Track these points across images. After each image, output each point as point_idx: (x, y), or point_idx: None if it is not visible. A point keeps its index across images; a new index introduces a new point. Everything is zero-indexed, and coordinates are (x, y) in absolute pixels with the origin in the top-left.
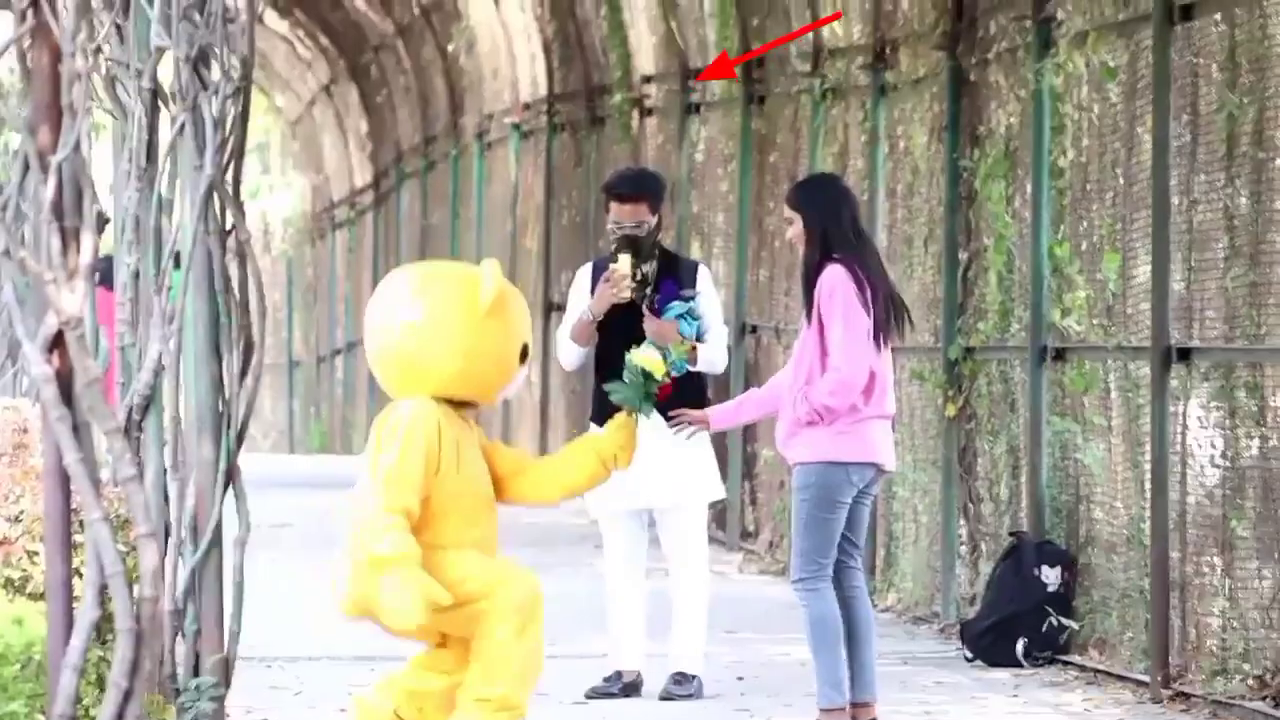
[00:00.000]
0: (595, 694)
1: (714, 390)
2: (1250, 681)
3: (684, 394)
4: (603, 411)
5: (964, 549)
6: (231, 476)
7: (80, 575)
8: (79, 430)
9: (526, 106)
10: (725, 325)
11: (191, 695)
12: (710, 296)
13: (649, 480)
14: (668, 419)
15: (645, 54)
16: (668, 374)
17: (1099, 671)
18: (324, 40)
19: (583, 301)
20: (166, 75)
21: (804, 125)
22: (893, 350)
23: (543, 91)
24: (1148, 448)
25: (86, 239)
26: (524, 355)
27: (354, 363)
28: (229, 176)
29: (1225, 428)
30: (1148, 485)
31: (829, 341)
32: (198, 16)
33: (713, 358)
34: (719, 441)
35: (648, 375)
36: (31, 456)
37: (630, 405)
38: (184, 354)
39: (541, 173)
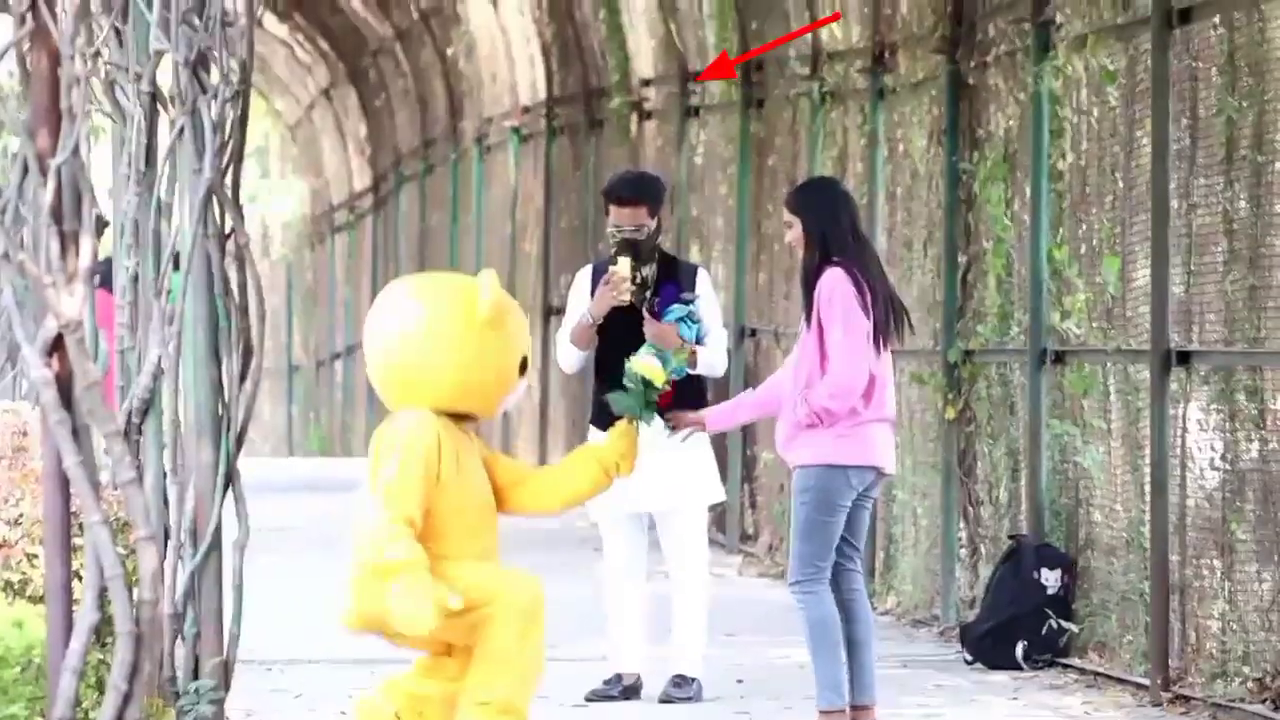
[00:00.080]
0: (595, 697)
1: (714, 394)
2: (1250, 684)
3: (683, 397)
4: (602, 415)
5: (963, 552)
6: (231, 480)
7: (80, 578)
8: (78, 433)
9: (525, 110)
10: (725, 328)
11: (191, 698)
12: (710, 299)
13: (649, 484)
14: (664, 421)
15: (644, 57)
16: (668, 381)
17: (1099, 674)
18: (323, 44)
19: (582, 304)
20: (166, 79)
21: (803, 129)
22: (892, 353)
23: (541, 95)
24: (1147, 451)
25: (85, 242)
26: (523, 367)
27: (353, 367)
28: (228, 180)
29: (1225, 431)
30: (1147, 488)
31: (828, 345)
32: (197, 20)
33: (712, 361)
34: (719, 444)
35: (648, 383)
36: (31, 459)
37: (631, 414)
38: (183, 358)
39: (540, 176)
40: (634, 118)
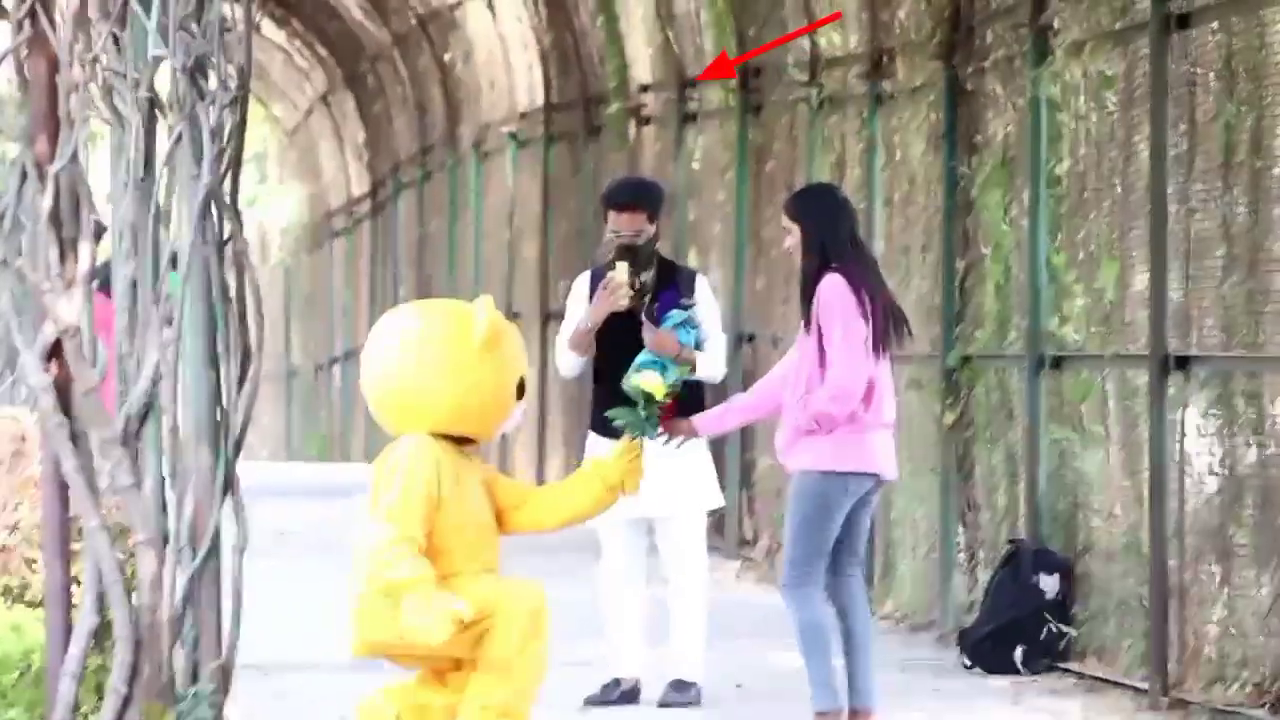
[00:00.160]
0: (594, 701)
1: (713, 399)
2: (1248, 689)
3: (681, 403)
4: (602, 421)
5: (962, 557)
6: (230, 484)
7: (79, 583)
8: (77, 438)
9: (523, 116)
10: (724, 334)
11: (190, 703)
12: (709, 305)
13: (648, 489)
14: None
15: (642, 64)
16: (669, 395)
17: (1097, 679)
18: (321, 50)
19: (581, 310)
20: (164, 85)
21: (801, 134)
22: (891, 359)
23: (540, 101)
24: (1145, 456)
25: (84, 248)
26: (521, 390)
27: (351, 371)
28: (226, 186)
29: (1223, 436)
30: (1146, 493)
31: (828, 350)
32: (195, 26)
33: (711, 367)
34: (717, 449)
35: (649, 398)
36: (30, 465)
37: (635, 431)
38: (182, 363)
39: (538, 182)
40: (632, 124)
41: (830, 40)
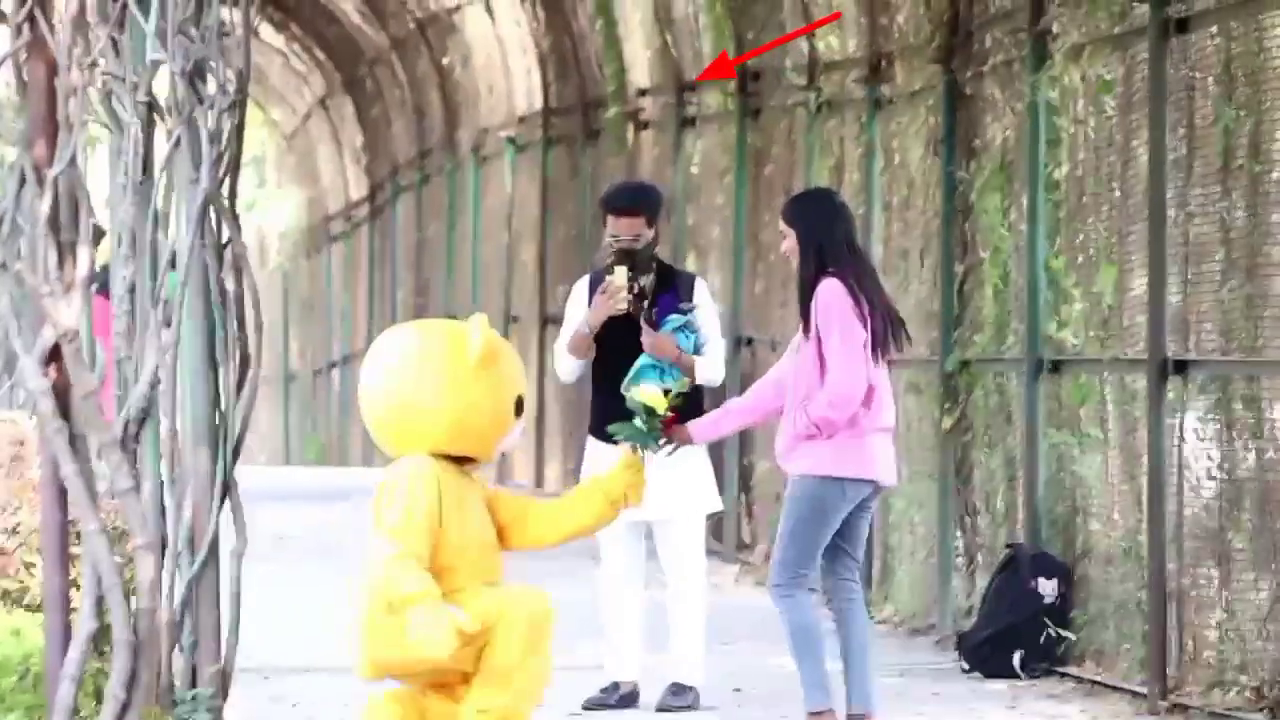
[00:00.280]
0: (592, 705)
1: (712, 403)
2: (1247, 693)
3: (681, 408)
4: (601, 426)
5: (960, 561)
6: (228, 489)
7: (78, 587)
8: (76, 442)
9: (522, 120)
10: (723, 338)
11: (189, 707)
12: (708, 309)
13: (647, 493)
14: None
15: (640, 68)
16: (670, 407)
17: (1096, 683)
18: (319, 54)
19: (580, 314)
20: (162, 89)
21: (799, 138)
22: (889, 363)
23: (538, 105)
24: (1144, 460)
25: (83, 252)
26: (519, 408)
27: (350, 376)
28: (225, 190)
29: (1222, 440)
30: (1144, 497)
31: (826, 355)
32: (193, 30)
33: (710, 371)
34: (715, 454)
35: (651, 411)
36: (29, 469)
37: (638, 444)
38: (181, 367)
39: (537, 186)
40: (630, 128)
41: (829, 44)
